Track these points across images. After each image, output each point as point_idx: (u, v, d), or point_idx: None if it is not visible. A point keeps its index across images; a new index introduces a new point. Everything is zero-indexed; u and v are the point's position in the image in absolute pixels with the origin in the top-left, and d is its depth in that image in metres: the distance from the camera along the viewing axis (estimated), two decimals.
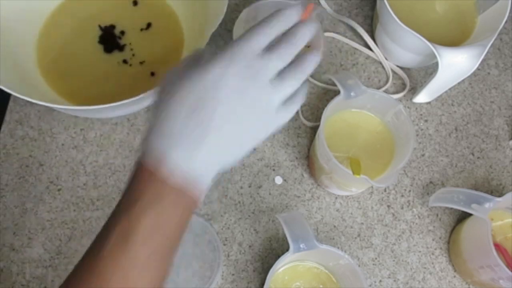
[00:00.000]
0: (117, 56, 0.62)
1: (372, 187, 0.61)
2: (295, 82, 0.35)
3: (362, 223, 0.60)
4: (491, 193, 0.57)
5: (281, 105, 0.35)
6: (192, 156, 0.33)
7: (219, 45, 0.65)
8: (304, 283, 0.54)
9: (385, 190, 0.61)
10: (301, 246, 0.49)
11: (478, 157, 0.64)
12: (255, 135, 0.35)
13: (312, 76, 0.64)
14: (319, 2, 0.68)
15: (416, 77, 0.67)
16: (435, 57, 0.55)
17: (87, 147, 0.60)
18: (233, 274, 0.57)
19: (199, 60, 0.35)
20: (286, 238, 0.58)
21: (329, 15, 0.68)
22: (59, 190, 0.58)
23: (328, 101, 0.54)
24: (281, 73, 0.35)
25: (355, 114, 0.57)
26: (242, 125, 0.34)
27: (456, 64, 0.55)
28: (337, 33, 0.67)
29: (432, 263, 0.59)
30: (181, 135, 0.32)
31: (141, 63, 0.61)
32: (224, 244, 0.57)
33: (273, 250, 0.58)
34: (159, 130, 0.33)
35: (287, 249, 0.57)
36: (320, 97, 0.64)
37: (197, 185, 0.33)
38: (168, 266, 0.34)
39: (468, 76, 0.56)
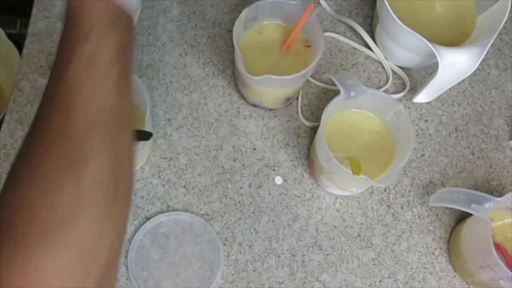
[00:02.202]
0: None
1: (372, 187, 0.61)
2: None
3: (362, 223, 0.60)
4: (491, 193, 0.57)
5: None
6: None
7: (219, 45, 0.65)
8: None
9: (385, 190, 0.61)
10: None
11: (478, 157, 0.64)
12: None
13: (312, 76, 0.64)
14: (319, 2, 0.68)
15: (416, 77, 0.67)
16: (435, 57, 0.55)
17: None
18: (233, 274, 0.57)
19: None
20: (286, 238, 0.58)
21: (329, 15, 0.68)
22: None
23: (328, 101, 0.54)
24: None
25: (355, 114, 0.57)
26: None
27: (456, 64, 0.55)
28: (337, 33, 0.67)
29: (432, 263, 0.59)
30: None
31: None
32: (224, 244, 0.57)
33: (273, 250, 0.58)
34: None
35: (287, 249, 0.58)
36: (320, 97, 0.64)
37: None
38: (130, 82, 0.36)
39: (468, 76, 0.56)
